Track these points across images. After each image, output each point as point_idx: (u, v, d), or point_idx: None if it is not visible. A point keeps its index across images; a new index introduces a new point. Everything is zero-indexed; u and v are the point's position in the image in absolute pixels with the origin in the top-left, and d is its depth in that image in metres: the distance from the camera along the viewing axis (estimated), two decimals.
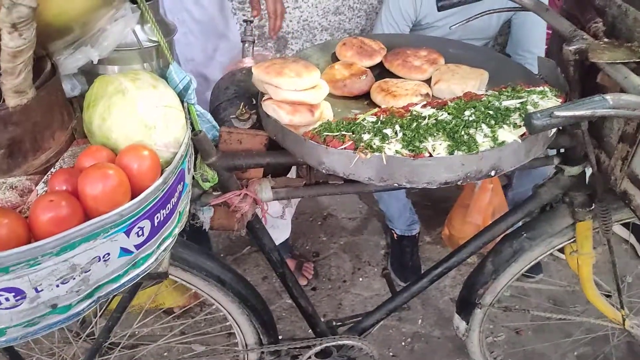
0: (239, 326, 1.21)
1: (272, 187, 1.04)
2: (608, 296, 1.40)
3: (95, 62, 0.76)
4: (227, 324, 1.23)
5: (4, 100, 0.65)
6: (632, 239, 2.12)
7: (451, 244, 2.08)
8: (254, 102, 1.07)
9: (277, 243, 1.80)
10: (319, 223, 2.42)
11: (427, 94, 1.00)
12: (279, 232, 1.88)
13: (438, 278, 1.26)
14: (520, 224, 1.25)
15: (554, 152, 1.14)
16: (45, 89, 0.70)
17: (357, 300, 2.05)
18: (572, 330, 1.78)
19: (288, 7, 2.16)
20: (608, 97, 0.70)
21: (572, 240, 1.23)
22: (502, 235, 1.27)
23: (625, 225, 1.98)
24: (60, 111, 0.75)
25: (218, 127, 0.98)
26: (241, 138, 0.97)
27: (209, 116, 0.96)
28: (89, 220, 0.63)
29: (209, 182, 0.95)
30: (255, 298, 1.19)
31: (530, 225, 1.25)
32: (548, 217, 1.22)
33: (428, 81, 1.08)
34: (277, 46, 2.33)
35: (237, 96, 1.11)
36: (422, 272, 1.64)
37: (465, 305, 1.39)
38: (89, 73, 0.84)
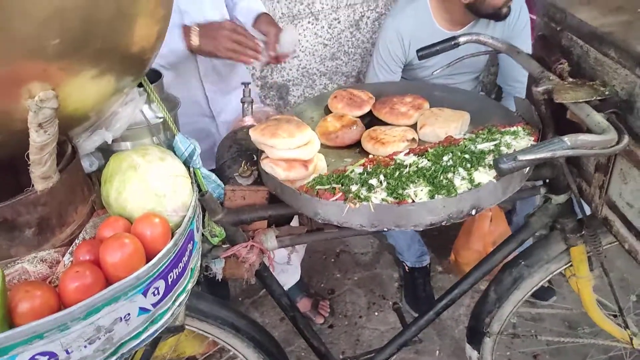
0: None
1: (277, 236, 1.12)
2: (616, 316, 1.43)
3: (109, 142, 0.87)
4: None
5: (32, 186, 0.75)
6: None
7: (458, 271, 2.12)
8: (255, 158, 1.17)
9: (287, 287, 1.87)
10: (332, 260, 2.48)
11: (413, 139, 1.09)
12: (288, 276, 1.95)
13: (444, 310, 1.31)
14: (517, 252, 1.31)
15: (541, 182, 1.21)
16: (68, 171, 0.80)
17: (374, 335, 2.08)
18: (588, 350, 1.79)
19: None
20: (566, 138, 0.78)
21: (569, 264, 1.28)
22: (502, 264, 1.32)
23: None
24: (81, 188, 0.85)
25: (223, 186, 1.07)
26: (244, 194, 1.06)
27: (214, 176, 1.05)
28: (110, 286, 0.72)
29: (217, 237, 1.04)
30: (270, 341, 1.25)
31: (527, 253, 1.30)
32: (543, 244, 1.27)
33: (415, 125, 1.17)
34: (279, 93, 2.45)
35: (239, 154, 1.20)
36: None
37: (475, 334, 1.43)
38: (105, 150, 0.95)
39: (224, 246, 1.11)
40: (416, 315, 2.08)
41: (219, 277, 1.17)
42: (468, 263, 2.00)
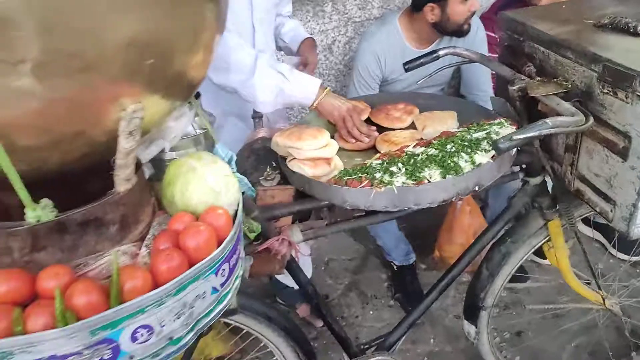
0: (285, 358, 1.39)
1: (301, 230, 1.27)
2: (587, 284, 1.65)
3: (167, 150, 0.99)
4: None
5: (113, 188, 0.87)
6: (598, 235, 2.40)
7: (443, 265, 2.31)
8: (274, 164, 1.32)
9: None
10: (323, 268, 2.62)
11: (421, 139, 1.28)
12: (306, 270, 2.08)
13: (446, 288, 1.48)
14: (502, 232, 1.51)
15: (518, 168, 1.42)
16: (138, 175, 0.92)
17: (371, 331, 2.22)
18: (565, 323, 2.01)
19: None
20: (548, 120, 0.98)
21: (547, 238, 1.49)
22: (490, 244, 1.52)
23: (589, 225, 2.29)
24: (147, 190, 0.96)
25: (253, 188, 1.21)
26: (273, 193, 1.20)
27: (246, 180, 1.19)
28: (193, 266, 0.84)
29: (255, 232, 1.17)
30: (298, 330, 1.37)
31: (511, 231, 1.50)
32: (524, 222, 1.48)
33: (408, 128, 1.36)
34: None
35: (258, 162, 1.35)
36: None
37: (471, 310, 1.61)
38: (153, 160, 1.07)
39: (255, 243, 1.24)
40: (408, 310, 2.24)
41: (246, 275, 1.29)
42: (452, 256, 2.19)
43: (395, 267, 2.37)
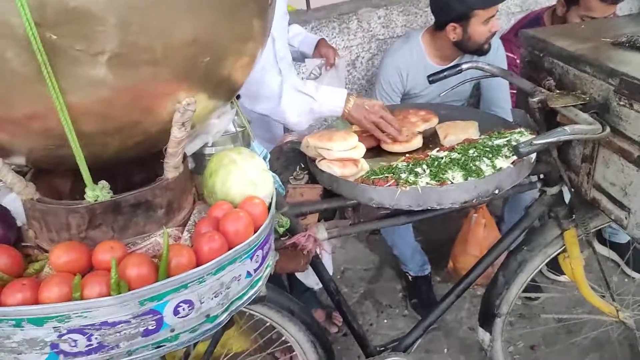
0: (304, 353, 1.44)
1: (326, 229, 1.33)
2: (603, 296, 1.68)
3: (210, 145, 1.08)
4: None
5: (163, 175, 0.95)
6: (613, 254, 2.43)
7: (457, 276, 2.34)
8: (302, 165, 1.39)
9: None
10: (339, 277, 2.67)
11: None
12: (328, 268, 2.13)
13: (462, 293, 1.53)
14: (519, 240, 1.56)
15: (536, 178, 1.47)
16: (184, 164, 1.00)
17: (385, 340, 2.24)
18: (579, 336, 2.02)
19: None
20: (567, 128, 1.05)
21: (562, 248, 1.53)
22: (505, 253, 1.57)
23: (605, 244, 2.32)
24: (190, 180, 1.04)
25: (283, 186, 1.29)
26: (303, 191, 1.27)
27: (277, 177, 1.26)
28: (232, 249, 0.91)
29: (283, 227, 1.24)
30: (318, 327, 1.43)
31: (527, 239, 1.55)
32: (541, 231, 1.53)
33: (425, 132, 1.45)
34: None
35: (288, 162, 1.42)
36: None
37: (486, 317, 1.65)
38: (194, 154, 1.15)
39: (283, 238, 1.31)
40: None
41: (271, 271, 1.36)
42: (466, 268, 2.22)
43: (410, 277, 2.41)
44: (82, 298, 0.80)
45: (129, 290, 0.81)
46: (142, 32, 0.73)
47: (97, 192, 0.88)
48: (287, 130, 1.55)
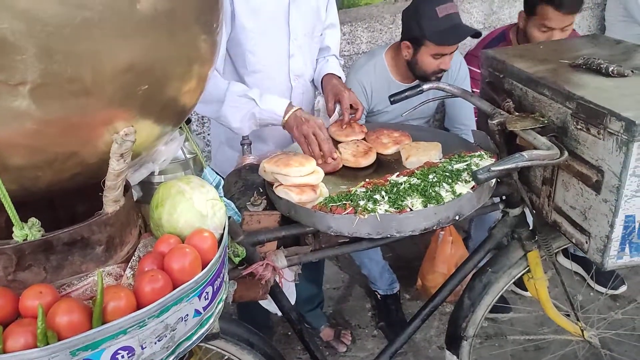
0: None
1: (286, 256, 1.28)
2: (567, 316, 1.67)
3: (157, 173, 1.02)
4: None
5: (102, 209, 0.89)
6: (577, 268, 2.45)
7: (426, 294, 2.32)
8: (261, 190, 1.34)
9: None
10: None
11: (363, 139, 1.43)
12: (290, 296, 2.07)
13: (428, 317, 1.49)
14: (484, 262, 1.54)
15: (498, 199, 1.46)
16: (127, 197, 0.94)
17: None
18: (546, 355, 2.02)
19: None
20: (524, 153, 1.03)
21: (527, 269, 1.52)
22: (471, 274, 1.54)
23: (569, 257, 2.33)
24: (134, 213, 0.98)
25: (239, 213, 1.23)
26: (260, 218, 1.22)
27: (233, 205, 1.21)
28: (177, 288, 0.85)
29: (239, 256, 1.18)
30: (279, 356, 1.37)
31: (492, 261, 1.53)
32: (505, 253, 1.51)
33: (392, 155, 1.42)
34: None
35: (245, 187, 1.37)
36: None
37: (453, 340, 1.62)
38: (142, 183, 1.09)
39: (239, 267, 1.25)
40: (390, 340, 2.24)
41: (230, 300, 1.29)
42: (435, 285, 2.21)
43: (379, 296, 2.37)
44: (4, 351, 0.73)
45: (59, 340, 0.74)
46: (67, 61, 0.67)
47: (26, 231, 0.81)
48: (245, 152, 1.50)
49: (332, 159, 1.37)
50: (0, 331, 0.72)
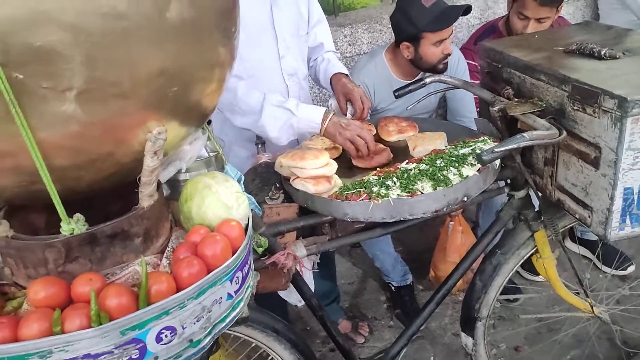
0: None
1: (305, 246, 1.35)
2: (576, 294, 1.73)
3: (184, 171, 1.09)
4: None
5: (138, 203, 0.97)
6: (584, 250, 2.51)
7: (438, 284, 2.38)
8: (278, 185, 1.41)
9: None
10: None
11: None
12: (310, 284, 2.14)
13: (442, 299, 1.56)
14: (493, 245, 1.60)
15: (503, 183, 1.53)
16: (159, 192, 1.01)
17: (373, 352, 2.27)
18: (559, 334, 2.07)
19: None
20: (525, 134, 1.10)
21: (535, 249, 1.58)
22: (481, 258, 1.61)
23: (575, 241, 2.39)
24: (166, 207, 1.06)
25: (259, 207, 1.31)
26: (279, 210, 1.29)
27: (253, 199, 1.28)
28: (211, 272, 0.93)
29: (262, 247, 1.25)
30: (303, 343, 1.44)
31: (500, 243, 1.60)
32: (512, 234, 1.58)
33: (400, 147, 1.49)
34: None
35: (262, 184, 1.45)
36: None
37: (468, 321, 1.68)
38: (169, 181, 1.17)
39: (262, 258, 1.33)
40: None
41: (253, 291, 1.37)
42: (447, 275, 2.27)
43: (393, 288, 2.44)
44: (62, 332, 0.80)
45: (110, 320, 0.82)
46: (109, 68, 0.75)
47: (73, 226, 0.89)
48: (259, 151, 1.58)
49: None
50: (58, 314, 0.80)
